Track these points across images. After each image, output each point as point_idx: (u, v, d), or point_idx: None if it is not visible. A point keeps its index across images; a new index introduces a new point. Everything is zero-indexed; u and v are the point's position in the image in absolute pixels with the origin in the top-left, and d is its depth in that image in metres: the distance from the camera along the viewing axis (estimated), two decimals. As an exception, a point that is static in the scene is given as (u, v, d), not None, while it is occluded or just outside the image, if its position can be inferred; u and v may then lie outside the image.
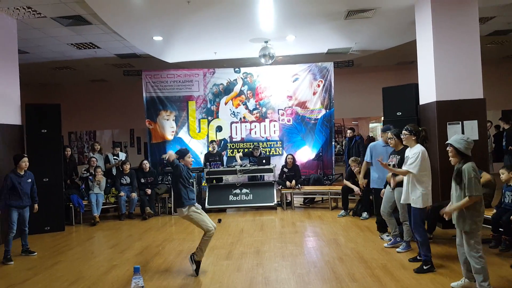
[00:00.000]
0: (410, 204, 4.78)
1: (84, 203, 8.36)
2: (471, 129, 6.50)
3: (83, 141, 14.67)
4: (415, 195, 4.65)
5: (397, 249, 5.46)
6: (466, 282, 3.97)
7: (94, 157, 9.09)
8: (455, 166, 3.87)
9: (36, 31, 8.02)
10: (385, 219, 5.69)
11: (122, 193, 8.54)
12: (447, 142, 3.94)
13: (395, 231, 5.63)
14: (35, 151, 7.43)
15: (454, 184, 3.87)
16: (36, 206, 6.20)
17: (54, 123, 7.65)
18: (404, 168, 4.79)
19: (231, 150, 11.06)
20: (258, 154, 9.81)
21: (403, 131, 4.85)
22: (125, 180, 8.88)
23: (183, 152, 5.11)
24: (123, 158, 9.58)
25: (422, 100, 7.15)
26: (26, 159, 6.05)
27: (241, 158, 9.82)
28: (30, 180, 6.11)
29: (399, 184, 5.28)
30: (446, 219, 4.06)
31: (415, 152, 4.66)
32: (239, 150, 10.95)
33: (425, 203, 4.64)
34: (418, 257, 4.92)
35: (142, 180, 9.04)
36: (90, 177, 8.61)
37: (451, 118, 6.55)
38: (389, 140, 5.54)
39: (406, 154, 4.87)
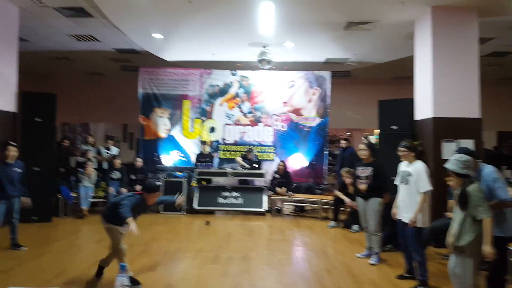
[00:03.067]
0: (402, 220, 4.74)
1: (73, 195, 8.29)
2: (466, 148, 6.51)
3: (76, 133, 14.55)
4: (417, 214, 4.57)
5: (369, 261, 5.48)
6: None
7: (90, 150, 9.07)
8: (456, 190, 3.63)
9: (37, 20, 7.95)
10: (366, 232, 5.72)
11: (111, 189, 8.48)
12: (444, 165, 3.74)
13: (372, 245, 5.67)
14: (28, 140, 7.39)
15: (458, 208, 3.61)
16: (23, 199, 5.86)
17: (49, 112, 7.62)
18: (402, 186, 4.75)
19: (223, 152, 11.03)
20: (251, 157, 9.86)
21: (400, 148, 4.83)
22: (115, 174, 8.82)
23: (152, 188, 4.44)
24: (115, 153, 9.52)
25: (418, 116, 7.18)
26: (11, 148, 5.75)
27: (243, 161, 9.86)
28: (20, 170, 5.84)
29: (373, 195, 5.44)
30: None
31: (418, 169, 4.61)
32: (231, 152, 10.94)
33: (424, 222, 4.60)
34: (405, 274, 4.87)
35: (133, 177, 8.98)
36: (80, 169, 8.55)
37: (447, 136, 6.54)
38: (360, 152, 5.65)
39: (402, 169, 4.85)
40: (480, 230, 3.47)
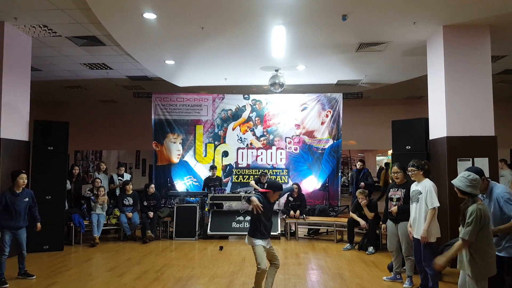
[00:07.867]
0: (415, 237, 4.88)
1: (85, 223, 8.26)
2: (482, 166, 6.35)
3: (89, 160, 14.65)
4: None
5: (404, 285, 5.34)
6: None
7: (98, 178, 9.04)
8: (462, 207, 3.59)
9: (50, 49, 8.11)
10: (393, 255, 5.62)
11: (117, 212, 8.55)
12: (452, 181, 3.74)
13: (398, 267, 5.59)
14: (40, 168, 7.42)
15: (461, 225, 3.59)
16: (38, 225, 5.91)
17: (61, 141, 7.64)
18: (413, 205, 4.92)
19: (236, 176, 10.97)
20: (265, 180, 9.76)
21: (410, 168, 4.98)
22: (128, 201, 8.78)
23: (277, 187, 4.66)
24: (128, 179, 9.50)
25: (432, 135, 7.08)
26: (23, 175, 5.69)
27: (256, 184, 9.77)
28: (27, 199, 5.74)
29: (403, 218, 5.29)
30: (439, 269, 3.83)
31: (427, 187, 4.76)
32: (244, 176, 10.88)
33: (435, 236, 4.74)
34: None
35: (145, 203, 8.93)
36: (92, 197, 8.53)
37: (462, 154, 6.45)
38: (395, 174, 5.55)
39: (412, 189, 4.96)
40: (478, 248, 3.45)
